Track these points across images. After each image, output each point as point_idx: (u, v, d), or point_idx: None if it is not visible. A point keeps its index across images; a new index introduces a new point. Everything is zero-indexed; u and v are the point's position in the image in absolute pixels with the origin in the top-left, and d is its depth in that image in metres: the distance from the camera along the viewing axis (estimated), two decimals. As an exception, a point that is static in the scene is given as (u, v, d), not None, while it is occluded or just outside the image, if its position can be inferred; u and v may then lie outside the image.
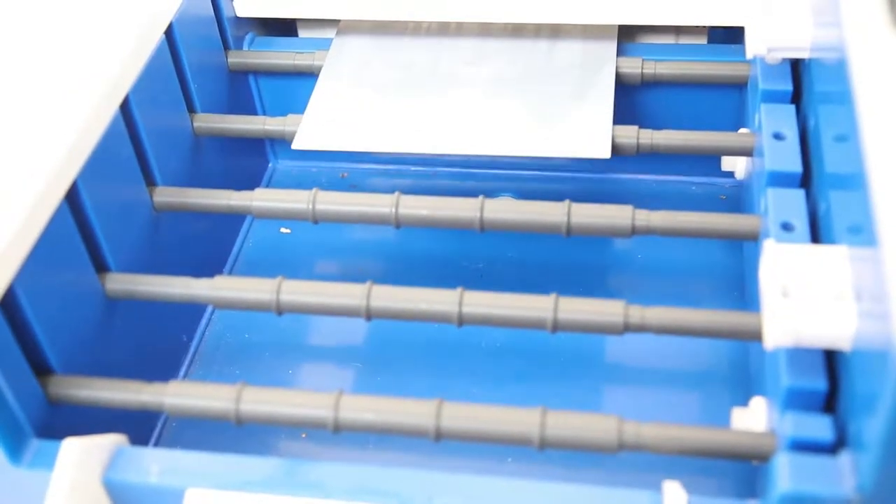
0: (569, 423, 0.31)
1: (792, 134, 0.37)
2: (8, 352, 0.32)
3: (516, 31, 0.48)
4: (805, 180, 0.36)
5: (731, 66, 0.44)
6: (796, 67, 0.40)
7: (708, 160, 0.48)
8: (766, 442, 0.30)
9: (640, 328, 0.34)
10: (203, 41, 0.46)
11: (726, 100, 0.46)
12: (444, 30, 0.49)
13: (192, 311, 0.45)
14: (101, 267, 0.38)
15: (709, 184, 0.49)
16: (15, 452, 0.32)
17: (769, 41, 0.38)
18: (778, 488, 0.27)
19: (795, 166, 0.36)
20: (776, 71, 0.40)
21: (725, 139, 0.41)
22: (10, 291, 0.32)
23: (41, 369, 0.34)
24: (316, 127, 0.44)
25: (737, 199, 0.48)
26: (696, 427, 0.31)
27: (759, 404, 0.33)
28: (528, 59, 0.47)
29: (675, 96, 0.47)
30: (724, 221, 0.38)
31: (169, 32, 0.43)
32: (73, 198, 0.35)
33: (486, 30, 0.49)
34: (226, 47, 0.48)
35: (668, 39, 0.49)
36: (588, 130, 0.42)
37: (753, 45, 0.39)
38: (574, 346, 0.42)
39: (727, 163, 0.45)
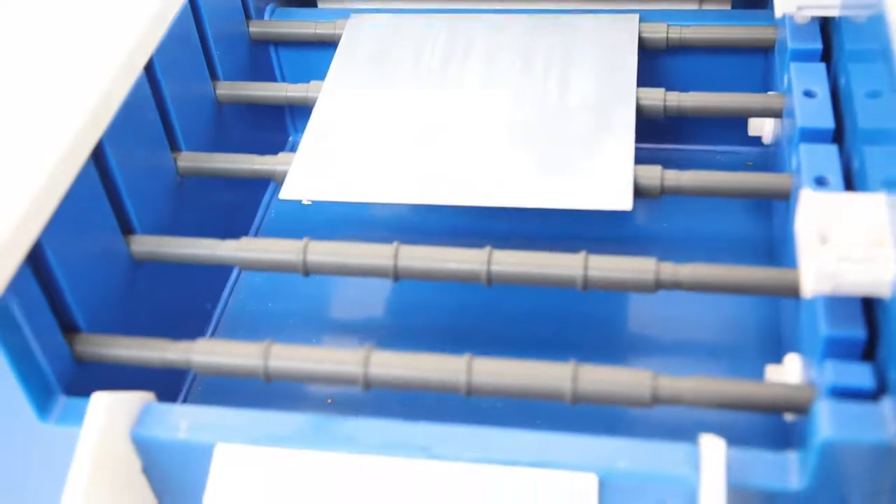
0: (602, 377, 0.31)
1: (823, 91, 0.37)
2: (36, 307, 0.32)
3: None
4: (836, 138, 0.36)
5: (756, 30, 0.44)
6: (825, 26, 0.40)
7: (733, 128, 0.47)
8: (805, 393, 0.29)
9: (673, 285, 0.33)
10: (225, 10, 0.46)
11: (751, 65, 0.46)
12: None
13: (215, 278, 0.45)
14: (127, 229, 0.38)
15: (734, 152, 0.49)
16: (43, 409, 0.32)
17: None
18: (819, 435, 0.27)
19: (828, 122, 0.36)
20: (805, 30, 0.39)
21: (754, 100, 0.41)
22: (38, 247, 0.32)
23: (68, 327, 0.34)
24: (306, 173, 0.39)
25: (763, 166, 0.48)
26: (732, 380, 0.30)
27: (793, 360, 0.33)
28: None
29: (700, 61, 0.46)
30: (754, 180, 0.37)
31: (192, -2, 0.42)
32: (98, 157, 0.35)
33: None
34: (247, 17, 0.48)
35: (692, 6, 0.49)
36: (607, 177, 0.38)
37: (783, 4, 0.38)
38: (601, 314, 0.42)
39: (754, 127, 0.44)
